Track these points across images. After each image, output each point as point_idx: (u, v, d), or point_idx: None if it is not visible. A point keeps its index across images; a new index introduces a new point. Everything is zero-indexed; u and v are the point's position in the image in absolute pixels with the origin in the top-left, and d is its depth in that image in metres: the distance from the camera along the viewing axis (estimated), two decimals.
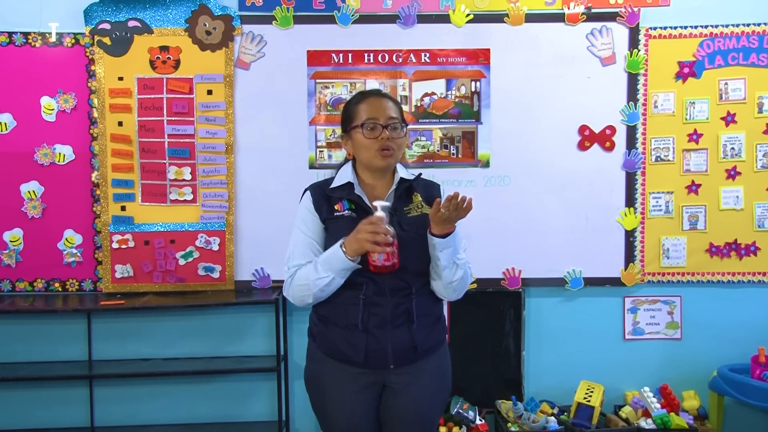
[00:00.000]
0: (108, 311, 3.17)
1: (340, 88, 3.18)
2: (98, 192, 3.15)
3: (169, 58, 3.13)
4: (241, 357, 3.23)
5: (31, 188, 3.15)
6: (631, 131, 3.20)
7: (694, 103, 3.20)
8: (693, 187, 3.23)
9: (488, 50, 3.18)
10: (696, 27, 3.18)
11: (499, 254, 3.21)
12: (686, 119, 3.21)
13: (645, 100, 3.20)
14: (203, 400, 3.28)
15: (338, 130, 3.17)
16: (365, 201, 1.97)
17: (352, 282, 1.92)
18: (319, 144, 3.19)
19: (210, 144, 3.15)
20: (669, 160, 3.23)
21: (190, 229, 3.17)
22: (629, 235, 3.23)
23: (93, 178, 3.15)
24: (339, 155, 3.17)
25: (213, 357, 3.24)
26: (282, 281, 3.12)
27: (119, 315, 3.22)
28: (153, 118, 3.13)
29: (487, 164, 3.21)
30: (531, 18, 3.16)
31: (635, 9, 3.15)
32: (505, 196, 3.20)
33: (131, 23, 3.11)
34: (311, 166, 3.19)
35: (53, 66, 3.11)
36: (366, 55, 3.17)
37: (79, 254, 3.17)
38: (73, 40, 3.11)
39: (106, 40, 3.10)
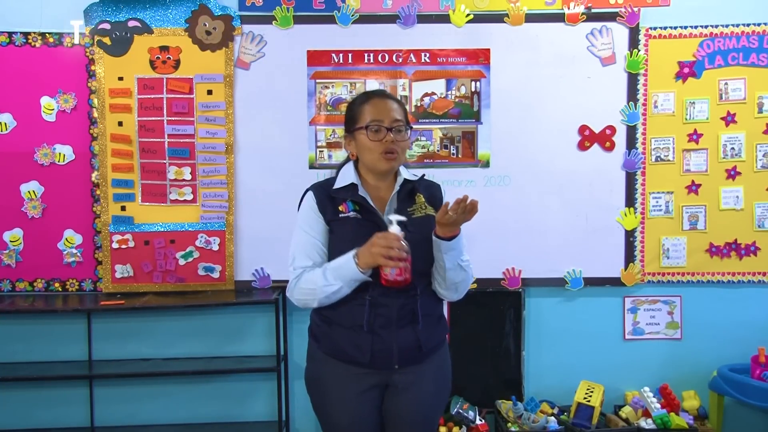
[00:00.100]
0: (108, 311, 3.17)
1: (340, 88, 3.18)
2: (98, 192, 3.15)
3: (169, 58, 3.13)
4: (241, 357, 3.23)
5: (31, 188, 3.15)
6: (631, 131, 3.20)
7: (694, 103, 3.20)
8: (693, 187, 3.23)
9: (488, 50, 3.18)
10: (696, 27, 3.18)
11: (499, 254, 3.21)
12: (686, 119, 3.21)
13: (645, 100, 3.20)
14: (203, 400, 3.28)
15: (338, 131, 3.19)
16: (369, 202, 1.96)
17: (360, 284, 1.90)
18: (319, 144, 3.19)
19: (210, 144, 3.15)
20: (669, 160, 3.23)
21: (190, 229, 3.17)
22: (629, 235, 3.23)
23: (93, 178, 3.15)
24: (339, 155, 3.17)
25: (213, 357, 3.24)
26: (282, 281, 3.19)
27: (119, 315, 3.22)
28: (153, 118, 3.13)
29: (487, 164, 3.22)
30: (531, 18, 3.16)
31: (635, 9, 3.15)
32: (505, 196, 3.20)
33: (131, 23, 3.11)
34: (311, 166, 3.19)
35: (53, 66, 3.11)
36: (366, 55, 3.17)
37: (79, 254, 3.17)
38: (73, 40, 3.11)
39: (106, 40, 3.10)
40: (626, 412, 3.14)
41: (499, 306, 3.27)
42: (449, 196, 2.10)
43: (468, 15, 3.16)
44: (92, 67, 3.11)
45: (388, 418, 2.02)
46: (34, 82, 3.11)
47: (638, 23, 3.16)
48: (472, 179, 3.21)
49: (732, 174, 3.22)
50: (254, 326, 3.27)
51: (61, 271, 3.18)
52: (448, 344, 2.14)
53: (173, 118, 3.13)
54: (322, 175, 3.13)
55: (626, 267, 3.24)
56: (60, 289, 3.18)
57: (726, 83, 3.19)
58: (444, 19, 3.16)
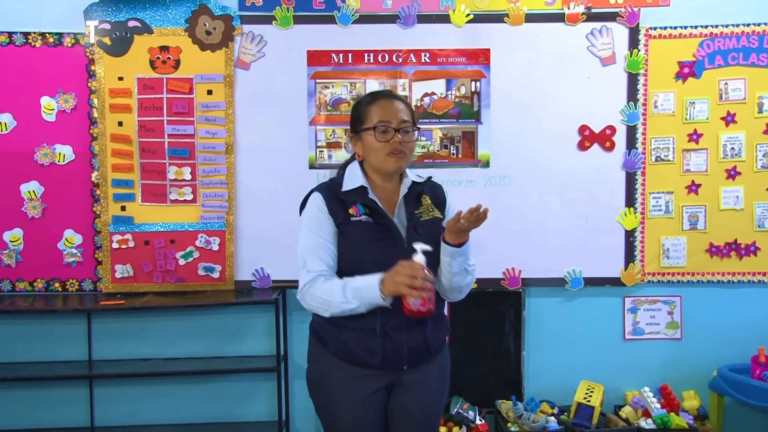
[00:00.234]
0: (108, 311, 3.17)
1: (340, 88, 3.18)
2: (98, 192, 3.15)
3: (169, 58, 3.13)
4: (241, 357, 3.23)
5: (31, 188, 3.15)
6: (631, 131, 3.20)
7: (694, 103, 3.20)
8: (693, 187, 3.23)
9: (488, 50, 3.18)
10: (696, 27, 3.18)
11: (499, 254, 3.21)
12: (686, 119, 3.21)
13: (645, 100, 3.20)
14: (203, 400, 3.28)
15: (338, 130, 3.19)
16: (380, 206, 1.95)
17: None
18: (319, 144, 3.19)
19: (210, 144, 3.15)
20: (669, 160, 3.23)
21: (190, 229, 3.17)
22: (629, 235, 3.23)
23: (93, 178, 3.15)
24: (339, 155, 3.17)
25: (213, 357, 3.24)
26: (282, 281, 3.20)
27: (119, 315, 3.22)
28: (153, 118, 3.13)
29: (487, 164, 3.22)
30: (531, 18, 3.16)
31: (635, 9, 3.15)
32: (505, 196, 3.20)
33: (131, 23, 3.11)
34: (311, 166, 3.19)
35: (53, 66, 3.11)
36: (366, 55, 3.17)
37: (79, 254, 3.17)
38: (73, 40, 3.11)
39: (106, 40, 3.10)
40: (626, 412, 3.14)
41: (499, 306, 3.27)
42: (449, 197, 2.11)
43: (468, 15, 3.16)
44: (92, 67, 3.11)
45: (394, 417, 2.02)
46: (34, 82, 3.11)
47: (638, 23, 3.16)
48: (472, 179, 3.21)
49: (732, 174, 3.22)
50: (254, 326, 3.27)
51: (61, 271, 3.18)
52: (448, 344, 2.14)
53: (173, 118, 3.13)
54: (322, 175, 3.15)
55: (626, 267, 3.24)
56: (60, 289, 3.18)
57: (726, 83, 3.19)
58: (444, 19, 3.16)
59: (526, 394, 3.27)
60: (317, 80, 3.17)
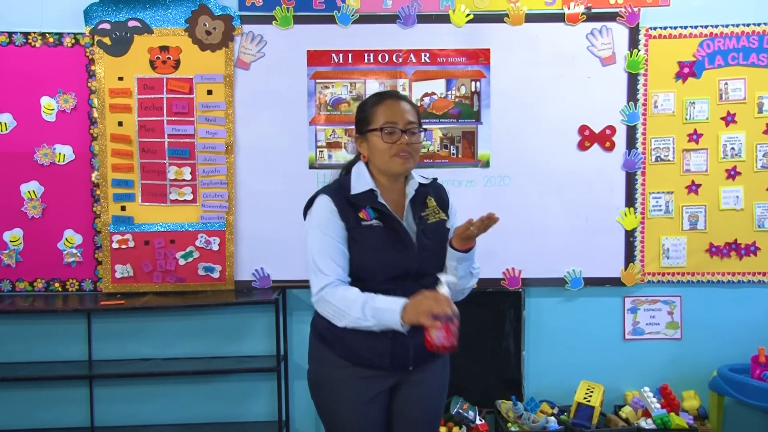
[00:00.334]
0: (108, 311, 3.17)
1: (340, 88, 3.18)
2: (98, 192, 3.15)
3: (169, 58, 3.13)
4: (241, 357, 3.23)
5: (31, 188, 3.15)
6: (631, 131, 3.20)
7: (694, 103, 3.20)
8: (693, 187, 3.23)
9: (488, 50, 3.18)
10: (696, 27, 3.18)
11: (499, 254, 3.21)
12: (686, 119, 3.21)
13: (645, 100, 3.20)
14: (203, 400, 3.28)
15: (338, 130, 3.19)
16: (390, 210, 1.94)
17: (377, 289, 1.88)
18: (319, 144, 3.19)
19: (210, 144, 3.15)
20: (669, 160, 3.23)
21: (190, 229, 3.17)
22: (629, 235, 3.23)
23: (93, 178, 3.15)
24: (339, 155, 3.17)
25: (213, 357, 3.24)
26: (282, 281, 3.19)
27: (119, 315, 3.22)
28: (153, 118, 3.13)
29: (487, 164, 3.22)
30: (531, 18, 3.16)
31: (635, 9, 3.15)
32: (505, 196, 3.20)
33: (131, 23, 3.11)
34: (311, 166, 3.19)
35: (53, 66, 3.11)
36: (366, 55, 3.17)
37: (79, 254, 3.17)
38: (73, 40, 3.11)
39: (106, 40, 3.10)
40: (626, 412, 3.14)
41: (499, 306, 3.27)
42: (452, 197, 2.11)
43: (468, 15, 3.15)
44: (92, 67, 3.11)
45: (397, 417, 2.03)
46: (34, 82, 3.11)
47: (638, 23, 3.16)
48: (472, 179, 3.21)
49: (732, 174, 3.22)
50: (254, 326, 3.27)
51: (61, 271, 3.17)
52: None
53: (173, 118, 3.13)
54: (322, 175, 3.15)
55: (626, 267, 3.24)
56: (60, 289, 3.18)
57: (726, 83, 3.19)
58: (444, 19, 3.16)
59: (526, 394, 3.27)
60: (317, 80, 3.17)
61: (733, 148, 3.22)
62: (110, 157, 3.13)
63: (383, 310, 1.79)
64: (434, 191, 2.06)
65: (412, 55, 3.17)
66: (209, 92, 3.14)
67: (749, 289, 3.27)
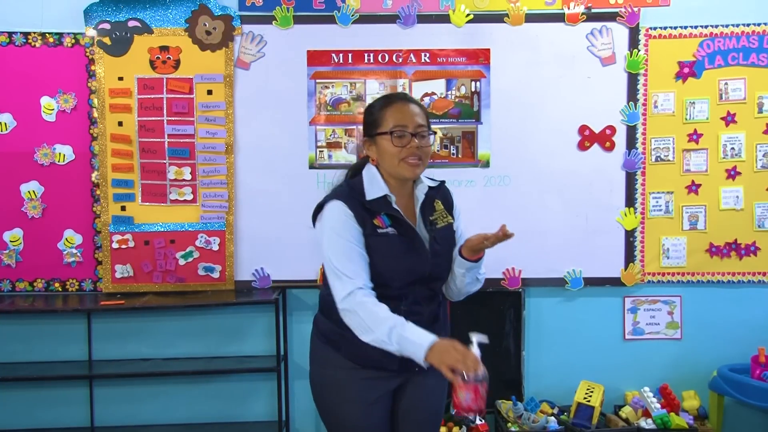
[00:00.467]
0: (108, 311, 3.17)
1: (340, 88, 3.18)
2: (98, 192, 3.15)
3: (169, 58, 3.13)
4: (241, 357, 3.23)
5: (31, 188, 3.15)
6: (631, 131, 3.20)
7: (694, 103, 3.20)
8: (693, 187, 3.23)
9: (488, 50, 3.18)
10: (696, 27, 3.18)
11: (499, 254, 3.15)
12: (686, 119, 3.21)
13: (645, 100, 3.20)
14: (203, 400, 3.28)
15: (338, 131, 3.19)
16: (405, 217, 1.92)
17: (391, 294, 1.87)
18: (319, 144, 3.19)
19: (210, 144, 3.15)
20: (669, 160, 3.23)
21: (190, 229, 3.17)
22: (629, 235, 3.23)
23: (93, 178, 3.15)
24: (339, 155, 3.17)
25: (213, 357, 3.24)
26: (282, 281, 3.19)
27: (119, 315, 3.22)
28: (153, 118, 3.13)
29: (487, 164, 3.22)
30: (531, 18, 3.16)
31: (635, 9, 3.15)
32: (505, 196, 3.20)
33: (131, 23, 3.11)
34: (311, 166, 3.19)
35: (53, 66, 3.11)
36: (366, 55, 3.17)
37: (79, 254, 3.17)
38: (73, 40, 3.11)
39: (106, 40, 3.10)
40: (626, 412, 3.14)
41: (499, 306, 3.27)
42: (455, 198, 2.11)
43: (468, 15, 3.15)
44: (92, 67, 3.11)
45: (401, 417, 2.03)
46: (34, 82, 3.11)
47: (638, 23, 3.16)
48: (472, 179, 3.21)
49: (732, 174, 3.22)
50: (254, 326, 3.27)
51: (61, 271, 3.17)
52: None
53: (173, 118, 3.13)
54: (322, 175, 3.15)
55: (626, 267, 3.24)
56: (60, 289, 3.18)
57: (726, 83, 3.19)
58: (444, 19, 3.16)
59: (526, 394, 3.27)
60: (317, 80, 3.17)
61: (733, 148, 3.22)
62: (110, 157, 3.13)
63: (410, 341, 1.74)
64: (440, 194, 2.05)
65: (412, 55, 3.17)
66: (209, 92, 3.14)
67: (749, 289, 3.27)
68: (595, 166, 3.21)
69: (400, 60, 3.17)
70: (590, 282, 3.25)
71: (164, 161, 3.15)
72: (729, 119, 3.20)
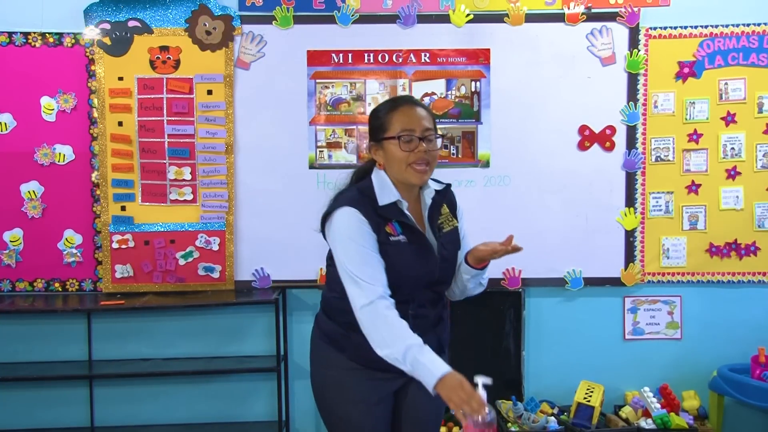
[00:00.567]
0: (108, 311, 3.17)
1: (340, 88, 3.18)
2: (98, 192, 3.15)
3: (169, 58, 3.13)
4: (241, 357, 3.23)
5: (31, 188, 3.15)
6: (631, 131, 3.20)
7: (694, 103, 3.20)
8: (693, 187, 3.23)
9: (488, 50, 3.18)
10: (696, 27, 3.18)
11: None
12: (686, 119, 3.21)
13: (645, 100, 3.20)
14: (203, 400, 3.28)
15: (338, 131, 3.19)
16: (416, 224, 1.91)
17: (398, 298, 1.85)
18: (319, 144, 3.19)
19: (210, 144, 3.15)
20: (669, 160, 3.23)
21: (190, 229, 3.17)
22: (629, 235, 3.23)
23: (93, 178, 3.15)
24: (339, 155, 3.17)
25: (213, 357, 3.24)
26: (282, 281, 3.19)
27: (119, 315, 3.22)
28: (153, 118, 3.13)
29: (487, 164, 3.22)
30: (531, 18, 3.16)
31: (635, 9, 3.15)
32: (505, 196, 3.20)
33: (131, 23, 3.11)
34: (311, 166, 3.19)
35: (53, 66, 3.11)
36: (366, 55, 3.17)
37: (79, 254, 3.17)
38: (73, 40, 3.11)
39: (106, 40, 3.10)
40: (626, 412, 3.14)
41: (499, 306, 3.27)
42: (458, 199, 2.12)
43: (468, 15, 3.15)
44: (92, 67, 3.11)
45: (404, 417, 2.03)
46: (34, 82, 3.11)
47: (638, 23, 3.16)
48: (472, 179, 3.21)
49: (732, 174, 3.22)
50: (254, 326, 3.27)
51: (61, 271, 3.17)
52: (449, 343, 2.15)
53: (173, 118, 3.13)
54: (323, 175, 3.15)
55: (626, 267, 3.24)
56: (60, 289, 3.18)
57: (726, 83, 3.19)
58: (444, 19, 3.16)
59: (526, 394, 3.27)
60: (317, 80, 3.17)
61: (733, 148, 3.21)
62: (110, 157, 3.13)
63: (424, 367, 1.71)
64: (447, 197, 2.05)
65: (412, 55, 3.17)
66: (209, 92, 3.14)
67: (749, 289, 3.27)
68: (595, 166, 3.21)
69: (400, 60, 3.17)
70: (590, 282, 3.25)
71: (164, 161, 3.15)
72: (729, 119, 3.20)
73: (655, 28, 3.18)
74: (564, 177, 3.21)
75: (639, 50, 3.17)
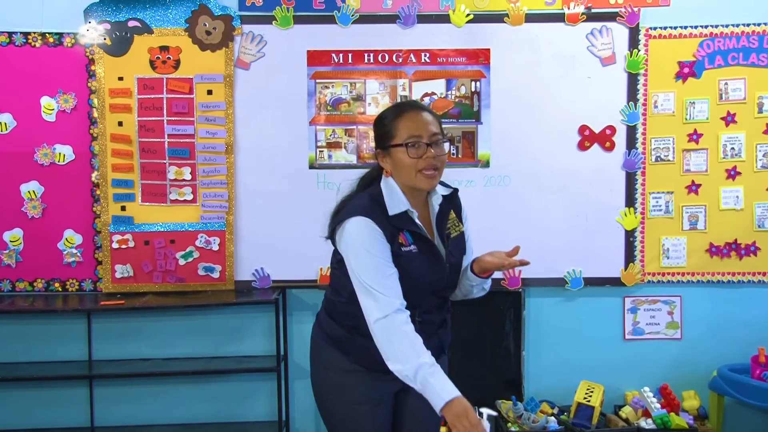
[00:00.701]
0: (108, 311, 3.17)
1: (340, 88, 3.18)
2: (98, 192, 3.15)
3: (169, 58, 3.13)
4: (241, 357, 3.23)
5: (31, 188, 3.15)
6: (631, 131, 3.20)
7: (694, 103, 3.20)
8: (693, 187, 3.23)
9: (488, 50, 3.18)
10: (696, 27, 3.18)
11: None
12: (686, 119, 3.21)
13: (645, 100, 3.20)
14: (203, 400, 3.28)
15: (338, 131, 3.19)
16: (425, 233, 1.90)
17: (406, 307, 1.84)
18: (319, 144, 3.19)
19: (210, 144, 3.15)
20: (669, 160, 3.23)
21: (190, 229, 3.17)
22: (629, 235, 3.23)
23: (93, 178, 3.15)
24: (339, 155, 3.17)
25: (213, 357, 3.24)
26: (282, 281, 3.19)
27: (119, 315, 3.22)
28: (153, 118, 3.13)
29: (487, 164, 3.22)
30: (531, 18, 3.16)
31: (635, 9, 3.15)
32: (505, 196, 3.20)
33: (131, 23, 3.11)
34: (311, 166, 3.19)
35: (53, 66, 3.11)
36: (366, 55, 3.17)
37: (79, 254, 3.17)
38: (73, 40, 3.11)
39: (106, 41, 3.10)
40: (626, 412, 3.14)
41: (499, 306, 3.27)
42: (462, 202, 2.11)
43: (468, 15, 3.15)
44: (92, 67, 3.11)
45: (405, 417, 2.04)
46: (34, 82, 3.11)
47: (638, 23, 3.16)
48: (472, 179, 3.21)
49: (732, 174, 3.22)
50: (254, 326, 3.27)
51: (61, 271, 3.17)
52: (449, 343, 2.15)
53: (173, 118, 3.13)
54: (323, 174, 3.15)
55: (626, 267, 3.24)
56: (60, 289, 3.18)
57: (726, 83, 3.19)
58: (444, 19, 3.16)
59: (526, 394, 3.27)
60: (317, 80, 3.17)
61: (733, 148, 3.22)
62: (110, 157, 3.13)
63: (433, 388, 1.70)
64: (453, 203, 2.03)
65: (412, 55, 3.17)
66: (209, 92, 3.14)
67: (749, 289, 3.27)
68: (595, 166, 3.21)
69: (400, 60, 3.17)
70: (590, 282, 3.25)
71: (164, 161, 3.15)
72: (729, 119, 3.20)
73: (655, 28, 3.18)
74: (564, 177, 3.21)
75: (639, 50, 3.17)
